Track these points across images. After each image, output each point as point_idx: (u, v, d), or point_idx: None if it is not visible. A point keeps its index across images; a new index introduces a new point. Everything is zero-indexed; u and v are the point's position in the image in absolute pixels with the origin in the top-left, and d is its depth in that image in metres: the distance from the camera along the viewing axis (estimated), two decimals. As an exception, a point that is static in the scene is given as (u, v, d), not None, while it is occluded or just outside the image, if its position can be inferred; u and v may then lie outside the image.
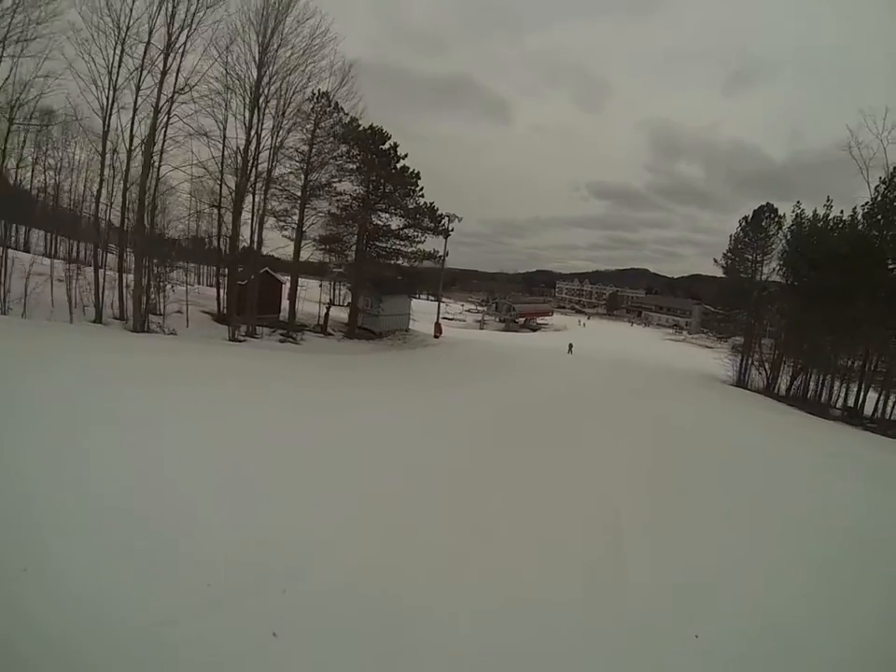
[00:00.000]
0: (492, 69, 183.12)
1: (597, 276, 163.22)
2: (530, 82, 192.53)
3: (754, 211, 38.75)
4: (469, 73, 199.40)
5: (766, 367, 35.31)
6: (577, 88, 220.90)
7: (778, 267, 37.24)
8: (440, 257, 37.33)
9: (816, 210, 33.59)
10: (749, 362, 37.67)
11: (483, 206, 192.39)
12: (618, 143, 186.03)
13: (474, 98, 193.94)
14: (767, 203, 38.63)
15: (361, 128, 31.34)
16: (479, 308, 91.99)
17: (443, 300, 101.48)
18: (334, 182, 31.94)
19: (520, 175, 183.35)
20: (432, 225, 34.14)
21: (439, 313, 39.06)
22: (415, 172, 33.18)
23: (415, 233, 34.52)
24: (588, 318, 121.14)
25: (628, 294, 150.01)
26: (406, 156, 32.66)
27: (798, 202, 35.54)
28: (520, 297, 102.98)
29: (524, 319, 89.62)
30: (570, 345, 47.94)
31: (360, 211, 32.78)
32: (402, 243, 34.68)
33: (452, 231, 36.38)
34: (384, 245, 34.63)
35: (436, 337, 36.83)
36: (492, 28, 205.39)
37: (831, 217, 32.40)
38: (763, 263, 38.40)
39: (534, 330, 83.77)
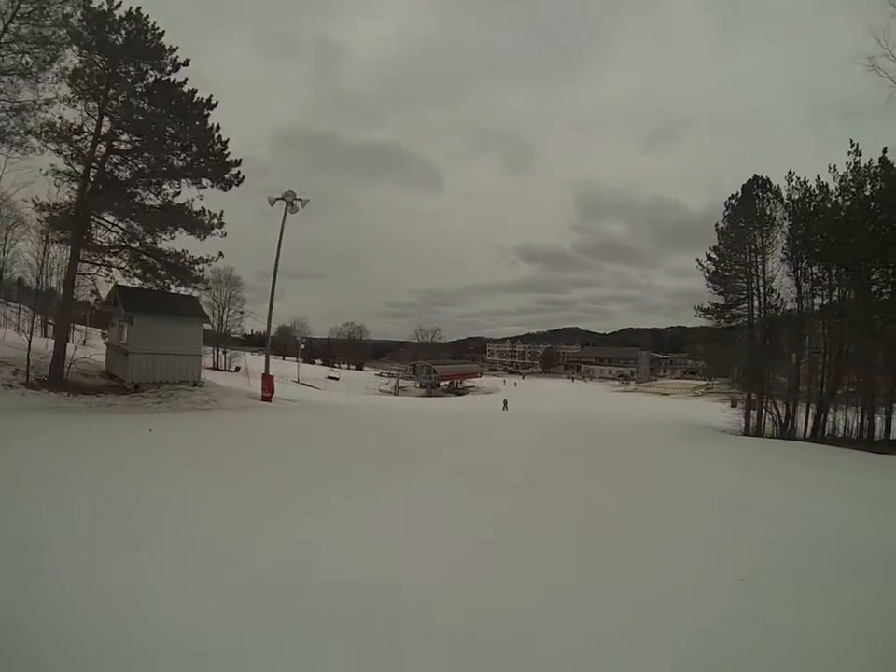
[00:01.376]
0: (423, 137, 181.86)
1: (529, 338, 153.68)
2: (459, 148, 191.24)
3: (743, 187, 26.02)
4: (399, 140, 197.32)
5: (778, 405, 23.79)
6: (505, 151, 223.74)
7: (787, 257, 24.79)
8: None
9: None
10: (765, 400, 24.55)
11: (416, 276, 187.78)
12: (545, 205, 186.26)
13: (405, 166, 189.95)
14: (755, 176, 26.07)
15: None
16: (393, 374, 76.78)
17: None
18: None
19: (451, 243, 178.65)
20: (212, 161, 19.50)
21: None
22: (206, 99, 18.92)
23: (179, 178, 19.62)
24: (523, 378, 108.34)
25: (563, 350, 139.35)
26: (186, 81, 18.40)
27: (790, 170, 24.04)
28: (444, 360, 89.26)
29: (447, 383, 75.60)
30: (505, 401, 45.00)
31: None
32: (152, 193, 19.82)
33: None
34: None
35: (265, 398, 21.34)
36: (423, 96, 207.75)
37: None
38: (766, 257, 25.45)
39: (460, 395, 69.60)
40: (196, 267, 20.54)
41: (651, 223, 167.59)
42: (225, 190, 20.07)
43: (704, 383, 76.52)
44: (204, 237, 20.02)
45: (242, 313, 73.22)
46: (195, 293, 23.22)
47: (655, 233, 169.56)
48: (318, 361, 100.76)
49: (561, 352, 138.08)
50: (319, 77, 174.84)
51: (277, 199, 22.67)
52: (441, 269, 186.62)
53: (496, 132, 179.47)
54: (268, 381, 21.64)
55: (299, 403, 23.82)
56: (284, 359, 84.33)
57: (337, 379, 70.09)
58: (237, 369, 62.63)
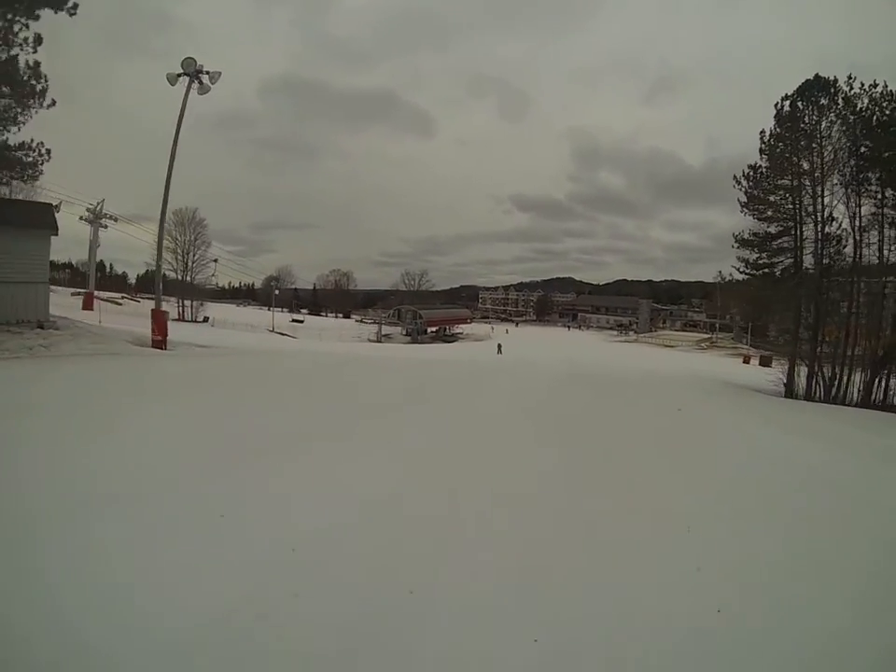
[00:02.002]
0: (416, 82, 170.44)
1: (523, 287, 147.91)
2: (454, 94, 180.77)
3: (799, 89, 20.27)
4: (391, 86, 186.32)
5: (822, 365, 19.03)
6: (500, 98, 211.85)
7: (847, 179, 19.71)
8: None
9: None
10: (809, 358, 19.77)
11: (408, 225, 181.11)
12: (541, 154, 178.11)
13: (397, 112, 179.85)
14: (816, 77, 20.31)
15: None
16: (375, 321, 71.51)
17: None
18: None
19: (444, 191, 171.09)
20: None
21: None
22: None
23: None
24: (516, 325, 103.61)
25: (558, 298, 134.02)
26: None
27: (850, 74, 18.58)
28: (432, 305, 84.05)
29: (435, 329, 70.79)
30: (499, 346, 45.76)
31: None
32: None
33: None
34: None
35: (156, 344, 16.15)
36: (415, 40, 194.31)
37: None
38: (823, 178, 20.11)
39: (448, 342, 64.89)
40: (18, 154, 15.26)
41: (648, 175, 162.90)
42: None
43: (707, 336, 72.20)
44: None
45: (216, 262, 67.95)
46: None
47: (652, 186, 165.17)
48: (304, 311, 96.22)
49: (556, 300, 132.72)
50: (307, 21, 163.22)
51: (179, 74, 17.12)
52: (434, 217, 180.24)
53: (490, 78, 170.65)
54: (158, 320, 16.33)
55: (213, 350, 18.61)
56: (269, 310, 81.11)
57: (301, 322, 65.95)
58: (206, 319, 58.07)
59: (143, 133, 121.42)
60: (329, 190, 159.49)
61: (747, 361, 42.82)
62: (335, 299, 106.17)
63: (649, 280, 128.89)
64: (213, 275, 67.69)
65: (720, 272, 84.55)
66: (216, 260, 69.15)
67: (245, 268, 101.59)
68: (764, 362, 34.34)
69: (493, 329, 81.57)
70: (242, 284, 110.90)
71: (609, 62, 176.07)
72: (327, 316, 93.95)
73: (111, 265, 73.58)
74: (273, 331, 56.15)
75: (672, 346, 63.96)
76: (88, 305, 46.51)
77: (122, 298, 60.12)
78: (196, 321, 56.56)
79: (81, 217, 52.11)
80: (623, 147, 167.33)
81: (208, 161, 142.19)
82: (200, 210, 61.24)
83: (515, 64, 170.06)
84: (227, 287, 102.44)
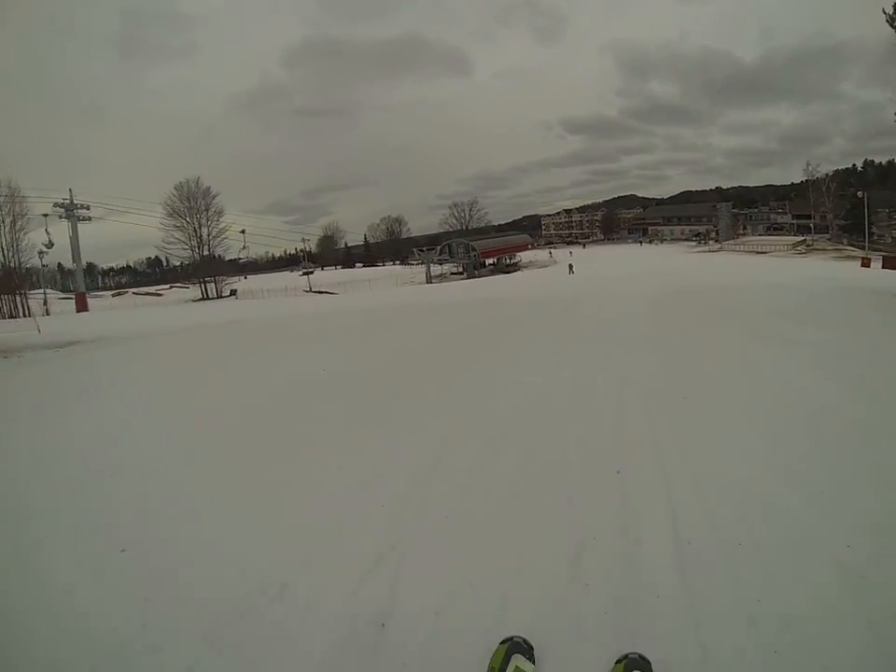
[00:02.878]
0: (440, 20, 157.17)
1: (585, 209, 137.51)
2: (483, 27, 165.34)
3: None
4: (417, 30, 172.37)
5: None
6: (531, 22, 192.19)
7: None
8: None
9: None
10: None
11: (460, 165, 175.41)
12: (584, 72, 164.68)
13: (428, 55, 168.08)
14: None
15: None
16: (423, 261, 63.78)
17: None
18: None
19: (490, 125, 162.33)
20: None
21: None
22: None
23: None
24: (584, 247, 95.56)
25: (624, 214, 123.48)
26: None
27: None
28: (485, 235, 77.26)
29: (492, 261, 64.60)
30: (570, 266, 46.47)
31: None
32: None
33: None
34: None
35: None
36: None
37: None
38: None
39: (508, 273, 58.75)
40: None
41: (702, 78, 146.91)
42: None
43: (801, 239, 62.63)
44: None
45: (244, 232, 63.92)
46: None
47: (707, 90, 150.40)
48: (359, 265, 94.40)
49: (622, 216, 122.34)
50: None
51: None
52: (487, 152, 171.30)
53: (517, 1, 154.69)
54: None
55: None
56: (322, 269, 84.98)
57: (311, 273, 62.92)
58: (232, 293, 56.30)
59: (176, 126, 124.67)
60: (375, 143, 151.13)
61: (866, 264, 35.37)
62: (389, 247, 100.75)
63: (717, 187, 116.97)
64: (244, 247, 64.41)
65: (807, 163, 73.59)
66: (243, 231, 65.36)
67: (301, 233, 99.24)
68: (891, 263, 30.86)
69: (551, 253, 74.45)
70: (298, 250, 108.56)
71: None
72: (384, 265, 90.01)
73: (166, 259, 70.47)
74: (310, 291, 52.97)
75: (765, 252, 55.53)
76: (81, 306, 43.84)
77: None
78: (220, 296, 54.35)
79: (45, 215, 49.37)
80: (671, 52, 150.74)
81: (249, 140, 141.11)
82: (204, 180, 57.01)
83: None
84: (284, 254, 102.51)
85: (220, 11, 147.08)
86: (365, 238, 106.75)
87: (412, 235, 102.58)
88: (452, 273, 61.12)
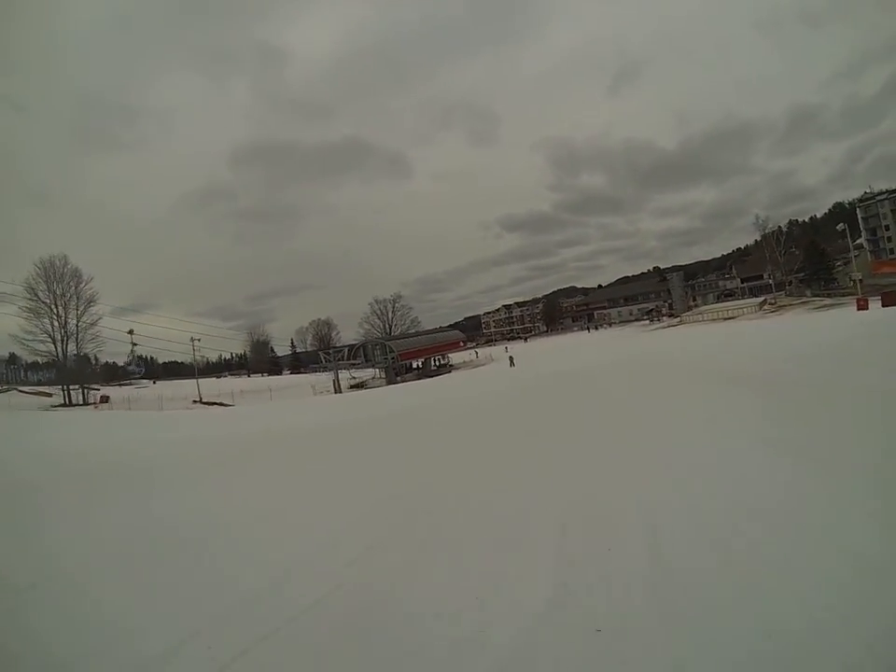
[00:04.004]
0: (383, 125, 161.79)
1: (524, 304, 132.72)
2: (422, 130, 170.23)
3: None
4: (359, 134, 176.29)
5: None
6: (468, 125, 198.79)
7: None
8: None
9: None
10: None
11: (402, 270, 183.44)
12: (518, 171, 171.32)
13: (370, 158, 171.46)
14: None
15: None
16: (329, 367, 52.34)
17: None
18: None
19: (431, 227, 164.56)
20: None
21: None
22: None
23: None
24: (525, 340, 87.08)
25: (566, 303, 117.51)
26: None
27: None
28: (406, 334, 67.47)
29: (419, 363, 54.54)
30: (511, 358, 43.40)
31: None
32: None
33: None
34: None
35: None
36: (374, 82, 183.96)
37: None
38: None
39: (434, 376, 48.37)
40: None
41: (628, 168, 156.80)
42: None
43: (762, 298, 55.42)
44: None
45: (131, 332, 53.77)
46: None
47: (633, 178, 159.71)
48: (286, 371, 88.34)
49: (564, 305, 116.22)
50: (266, 85, 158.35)
51: None
52: (428, 255, 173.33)
53: (455, 105, 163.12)
54: None
55: None
56: (249, 376, 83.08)
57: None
58: (104, 399, 46.10)
59: (123, 223, 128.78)
60: (319, 248, 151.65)
61: (863, 307, 32.03)
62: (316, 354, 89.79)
63: (655, 267, 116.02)
64: (133, 348, 53.69)
65: (757, 217, 68.22)
66: (131, 332, 55.51)
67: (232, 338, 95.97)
68: (892, 300, 30.20)
69: (476, 352, 65.36)
70: (234, 355, 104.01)
71: (567, 64, 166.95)
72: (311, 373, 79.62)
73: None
74: (199, 402, 44.43)
75: (733, 317, 47.41)
76: None
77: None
78: (88, 404, 45.07)
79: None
80: (597, 145, 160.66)
81: (193, 241, 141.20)
82: (149, 278, 48.57)
83: (476, 87, 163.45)
84: (220, 359, 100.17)
85: (173, 107, 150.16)
86: (292, 342, 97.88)
87: (344, 342, 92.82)
88: (374, 379, 50.45)
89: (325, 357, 53.24)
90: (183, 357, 58.92)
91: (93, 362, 59.16)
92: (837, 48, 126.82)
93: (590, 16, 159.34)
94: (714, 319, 49.00)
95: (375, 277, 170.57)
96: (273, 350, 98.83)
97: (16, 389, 51.43)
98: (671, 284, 69.95)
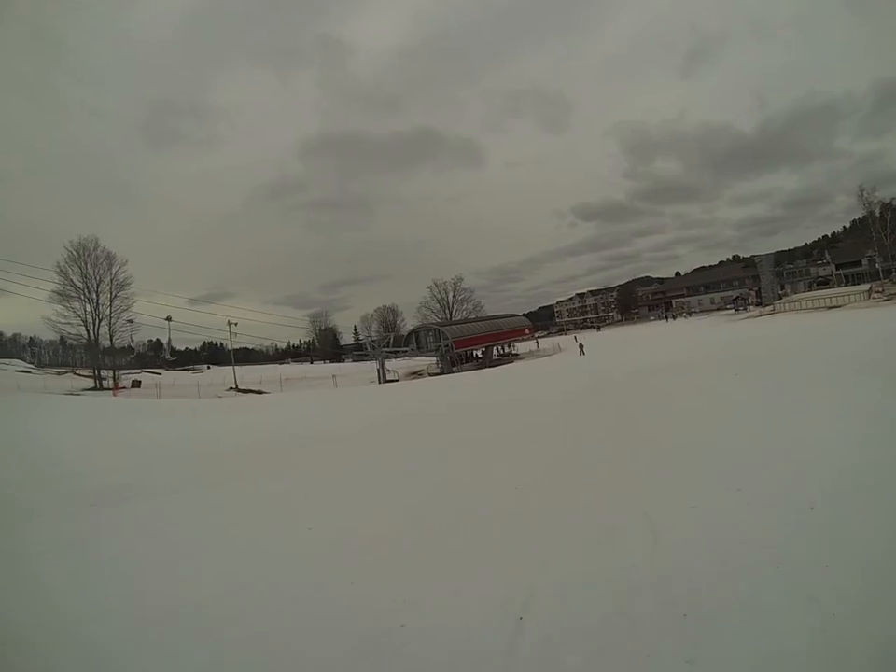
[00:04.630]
0: (453, 114, 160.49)
1: (598, 292, 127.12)
2: (493, 118, 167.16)
3: None
4: (428, 124, 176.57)
5: None
6: (538, 111, 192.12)
7: None
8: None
9: None
10: None
11: (476, 259, 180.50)
12: (591, 158, 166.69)
13: (442, 148, 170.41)
14: None
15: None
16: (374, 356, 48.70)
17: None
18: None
19: (505, 216, 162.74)
20: None
21: None
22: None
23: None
24: (598, 330, 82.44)
25: (641, 291, 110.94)
26: None
27: None
28: (464, 320, 63.96)
29: (480, 351, 51.39)
30: (581, 346, 41.49)
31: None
32: None
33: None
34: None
35: None
36: (442, 72, 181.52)
37: None
38: None
39: (495, 366, 45.00)
40: None
41: (704, 153, 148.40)
42: None
43: (867, 287, 48.57)
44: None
45: (169, 319, 53.79)
46: None
47: (710, 164, 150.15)
48: (348, 359, 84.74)
49: (639, 293, 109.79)
50: (333, 79, 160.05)
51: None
52: (502, 244, 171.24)
53: (526, 93, 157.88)
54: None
55: None
56: (312, 363, 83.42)
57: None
58: (135, 384, 46.06)
59: (199, 216, 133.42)
60: (392, 238, 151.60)
61: None
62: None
63: (734, 256, 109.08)
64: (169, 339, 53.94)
65: (861, 189, 59.75)
66: (169, 318, 55.64)
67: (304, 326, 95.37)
68: None
69: (536, 342, 60.40)
70: (302, 342, 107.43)
71: (637, 45, 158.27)
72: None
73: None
74: (234, 389, 43.63)
75: (837, 306, 41.53)
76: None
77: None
78: (118, 388, 44.28)
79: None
80: (672, 130, 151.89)
81: (266, 231, 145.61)
82: (223, 270, 49.48)
83: (545, 73, 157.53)
84: (289, 346, 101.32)
85: (242, 104, 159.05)
86: (355, 329, 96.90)
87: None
88: (431, 367, 47.76)
89: (370, 346, 50.40)
90: (252, 343, 60.23)
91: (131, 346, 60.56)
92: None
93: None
94: (815, 308, 43.11)
95: (449, 267, 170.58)
96: (336, 337, 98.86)
97: (72, 372, 52.35)
98: (760, 269, 63.17)
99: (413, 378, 44.06)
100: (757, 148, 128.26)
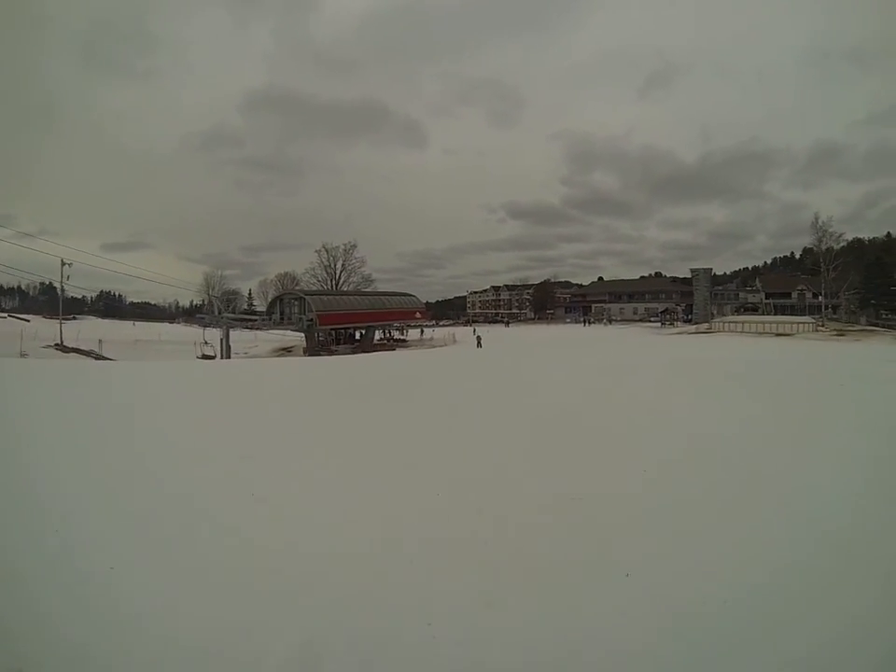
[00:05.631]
0: (405, 91, 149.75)
1: (515, 287, 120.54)
2: (444, 102, 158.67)
3: None
4: (381, 98, 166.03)
5: None
6: (491, 104, 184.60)
7: None
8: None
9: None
10: None
11: (400, 240, 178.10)
12: (533, 158, 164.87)
13: (386, 123, 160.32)
14: None
15: None
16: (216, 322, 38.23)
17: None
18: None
19: (437, 202, 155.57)
20: None
21: None
22: None
23: None
24: (507, 325, 74.37)
25: (560, 293, 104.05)
26: None
27: None
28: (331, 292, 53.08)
29: (359, 332, 41.09)
30: (478, 337, 38.53)
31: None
32: None
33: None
34: None
35: None
36: (402, 45, 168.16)
37: None
38: None
39: (368, 352, 34.85)
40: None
41: (643, 174, 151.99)
42: None
43: (811, 319, 42.75)
44: None
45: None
46: None
47: (647, 185, 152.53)
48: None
49: (558, 293, 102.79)
50: (288, 31, 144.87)
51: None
52: (428, 229, 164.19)
53: (481, 82, 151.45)
54: None
55: None
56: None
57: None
58: None
59: (125, 155, 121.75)
60: (321, 207, 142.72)
61: None
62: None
63: (657, 272, 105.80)
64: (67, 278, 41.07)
65: (816, 217, 52.33)
66: (65, 262, 40.43)
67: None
68: None
69: (422, 329, 50.64)
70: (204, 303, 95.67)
71: (602, 57, 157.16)
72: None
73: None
74: (59, 347, 34.30)
75: (787, 334, 34.71)
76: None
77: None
78: None
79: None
80: (617, 147, 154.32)
81: (194, 182, 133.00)
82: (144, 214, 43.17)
83: (506, 67, 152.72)
84: (191, 305, 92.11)
85: (188, 40, 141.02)
86: (249, 294, 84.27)
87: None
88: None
89: (218, 308, 38.22)
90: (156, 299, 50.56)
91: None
92: (883, 89, 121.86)
93: (633, 16, 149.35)
94: (759, 333, 36.13)
95: (372, 244, 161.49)
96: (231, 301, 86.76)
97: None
98: (695, 282, 56.94)
99: (267, 357, 33.45)
100: (694, 178, 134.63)
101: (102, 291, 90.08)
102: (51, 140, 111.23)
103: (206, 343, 31.26)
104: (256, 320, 38.81)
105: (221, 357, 30.28)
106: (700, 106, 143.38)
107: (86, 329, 42.40)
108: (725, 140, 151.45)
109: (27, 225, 58.29)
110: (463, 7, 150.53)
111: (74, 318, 62.47)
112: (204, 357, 29.52)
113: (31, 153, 71.91)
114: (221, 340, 32.70)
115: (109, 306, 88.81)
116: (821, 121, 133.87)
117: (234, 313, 38.34)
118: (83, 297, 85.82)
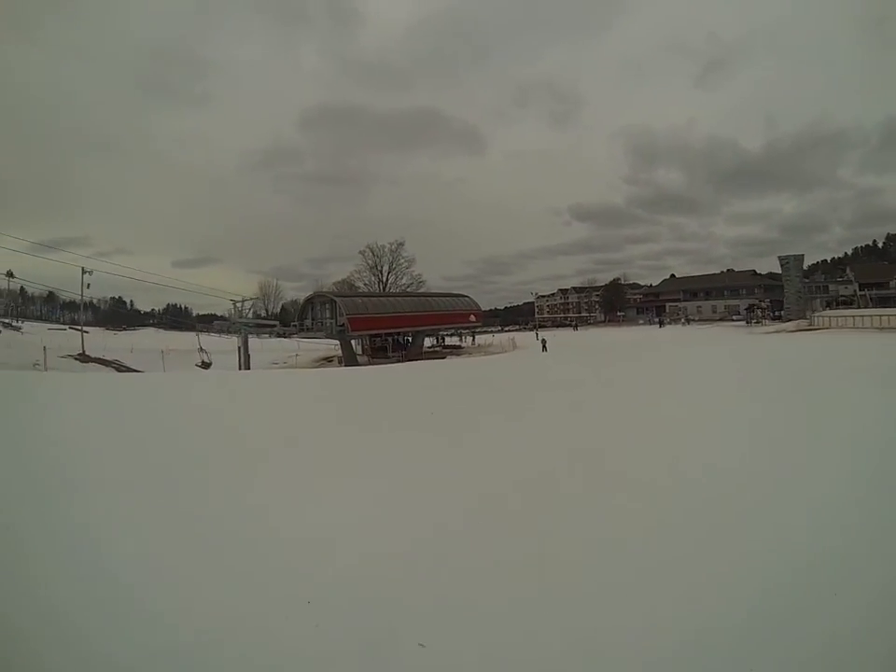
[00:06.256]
0: (459, 97, 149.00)
1: (583, 290, 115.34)
2: (500, 105, 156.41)
3: None
4: (435, 105, 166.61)
5: None
6: (547, 105, 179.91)
7: None
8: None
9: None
10: None
11: (467, 247, 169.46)
12: (594, 158, 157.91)
13: (444, 131, 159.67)
14: None
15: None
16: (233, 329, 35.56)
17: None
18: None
19: (501, 207, 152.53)
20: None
21: None
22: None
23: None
24: (575, 329, 69.34)
25: (631, 294, 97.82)
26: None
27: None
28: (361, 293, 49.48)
29: (406, 338, 37.53)
30: (543, 342, 37.65)
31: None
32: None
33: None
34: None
35: None
36: (452, 53, 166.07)
37: None
38: None
39: (422, 359, 31.16)
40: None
41: (708, 167, 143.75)
42: None
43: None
44: None
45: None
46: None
47: (712, 178, 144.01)
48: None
49: (628, 294, 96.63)
50: (338, 47, 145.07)
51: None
52: (494, 236, 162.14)
53: (535, 83, 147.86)
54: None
55: None
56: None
57: None
58: None
59: (191, 176, 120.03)
60: (384, 217, 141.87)
61: None
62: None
63: (729, 269, 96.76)
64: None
65: None
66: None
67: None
68: None
69: (473, 335, 46.73)
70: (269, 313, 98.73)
71: (657, 47, 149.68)
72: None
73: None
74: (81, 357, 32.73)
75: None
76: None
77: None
78: None
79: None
80: (679, 139, 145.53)
81: (258, 199, 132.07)
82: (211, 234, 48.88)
83: (559, 67, 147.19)
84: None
85: (242, 62, 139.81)
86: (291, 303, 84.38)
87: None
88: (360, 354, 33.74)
89: (234, 315, 34.16)
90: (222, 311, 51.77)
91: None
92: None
93: (681, 2, 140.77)
94: (882, 328, 29.95)
95: (439, 252, 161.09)
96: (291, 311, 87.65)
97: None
98: (785, 273, 50.27)
99: (307, 369, 30.32)
100: (761, 168, 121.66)
101: (168, 304, 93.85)
102: (124, 166, 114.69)
103: (201, 349, 28.40)
104: (275, 326, 35.74)
105: (240, 368, 27.36)
106: (760, 89, 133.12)
107: (137, 340, 43.52)
108: (790, 124, 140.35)
109: (103, 245, 59.13)
110: (506, 10, 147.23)
111: (125, 329, 66.87)
112: (203, 364, 27.02)
113: (108, 180, 74.95)
114: (239, 348, 29.81)
115: (175, 319, 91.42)
116: (890, 94, 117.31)
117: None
118: (152, 310, 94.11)
